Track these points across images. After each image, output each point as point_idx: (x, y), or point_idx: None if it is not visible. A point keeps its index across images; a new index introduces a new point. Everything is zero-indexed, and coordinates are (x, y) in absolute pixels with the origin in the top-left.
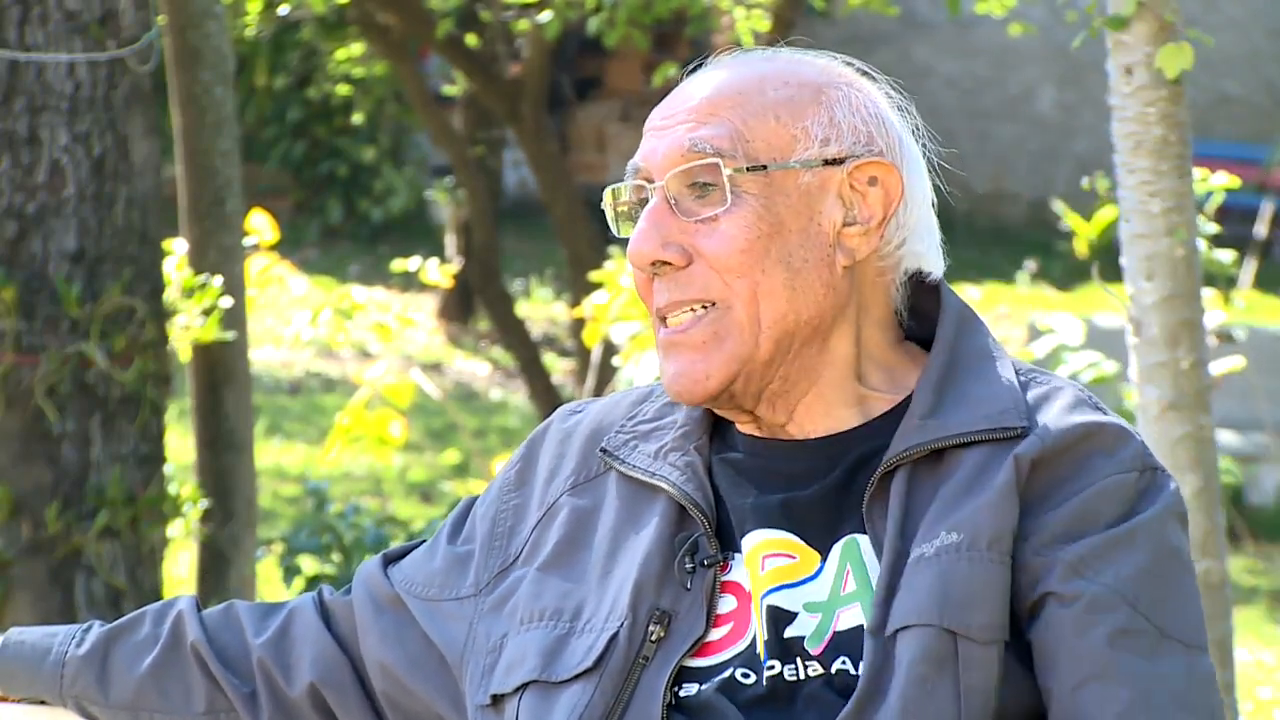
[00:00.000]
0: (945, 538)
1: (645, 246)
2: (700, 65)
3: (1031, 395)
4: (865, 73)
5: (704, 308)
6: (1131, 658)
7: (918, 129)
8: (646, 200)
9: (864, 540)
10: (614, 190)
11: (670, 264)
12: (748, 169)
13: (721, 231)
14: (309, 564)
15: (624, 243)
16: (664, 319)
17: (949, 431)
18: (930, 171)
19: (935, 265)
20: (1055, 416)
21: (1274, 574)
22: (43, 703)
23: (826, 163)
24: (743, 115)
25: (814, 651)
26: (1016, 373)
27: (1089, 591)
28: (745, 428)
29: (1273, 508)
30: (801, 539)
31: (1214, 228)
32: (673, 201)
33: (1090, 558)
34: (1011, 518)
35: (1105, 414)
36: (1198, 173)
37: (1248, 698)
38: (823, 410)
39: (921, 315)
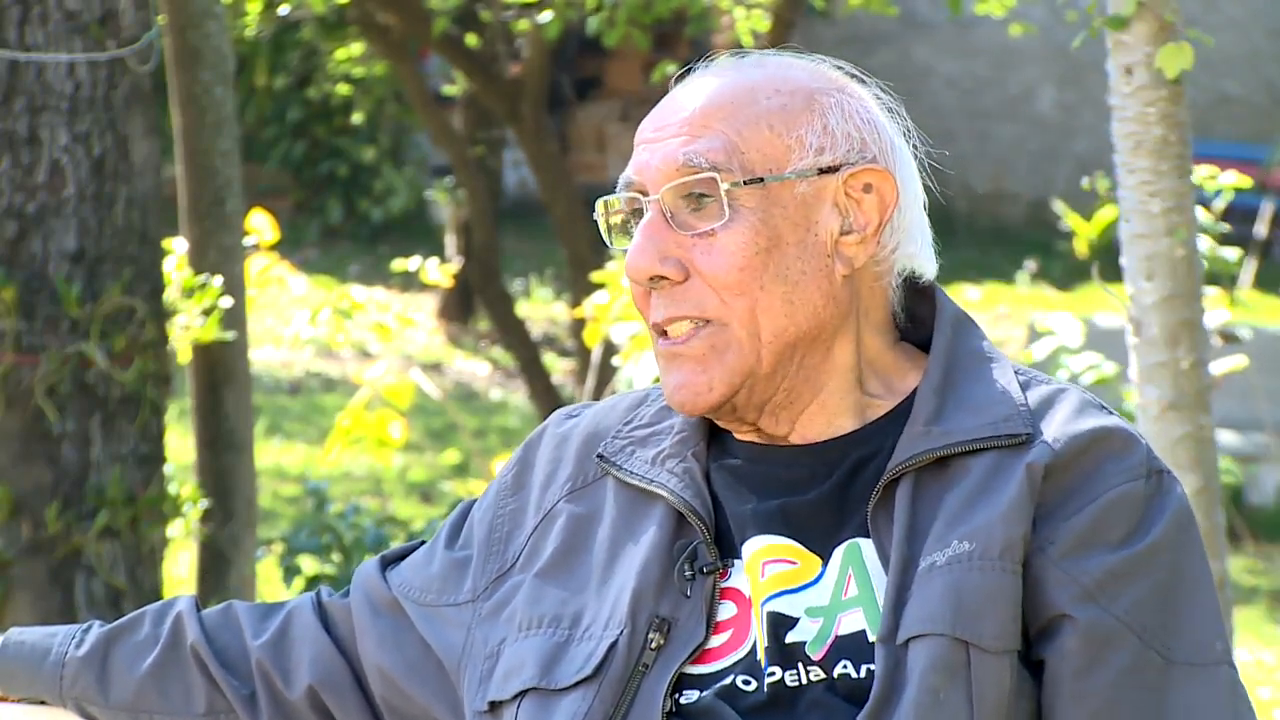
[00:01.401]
0: (957, 547)
1: (643, 262)
2: (689, 72)
3: (1033, 398)
4: (855, 75)
5: (704, 322)
6: (1137, 694)
7: (909, 130)
8: (640, 212)
9: (866, 545)
10: (606, 202)
11: (668, 279)
12: (745, 182)
13: (719, 247)
14: (309, 564)
15: (617, 250)
16: (663, 331)
17: (954, 439)
18: (922, 172)
19: (928, 266)
20: (1062, 422)
21: (1274, 574)
22: (43, 703)
23: (821, 171)
24: (736, 126)
25: (815, 656)
26: (1015, 374)
27: (1101, 622)
28: (744, 435)
29: (1273, 508)
30: (802, 544)
31: (1224, 226)
32: (668, 215)
33: (1106, 581)
34: (1022, 526)
35: (1110, 415)
36: (1204, 171)
37: None
38: (824, 420)
39: (914, 317)
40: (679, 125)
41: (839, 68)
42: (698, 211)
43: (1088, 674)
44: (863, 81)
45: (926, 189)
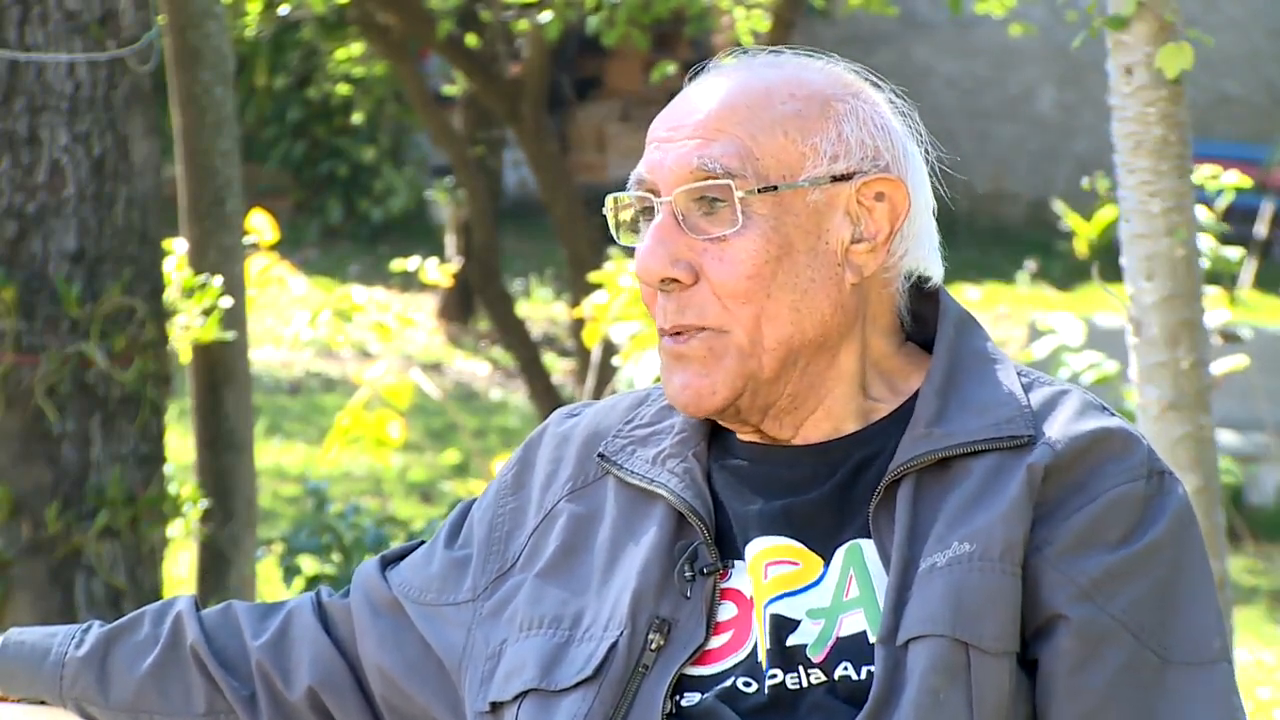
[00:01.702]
0: (958, 548)
1: (654, 264)
2: (703, 69)
3: (1036, 399)
4: (868, 79)
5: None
6: (1132, 692)
7: (919, 135)
8: (650, 210)
9: (868, 546)
10: (616, 199)
11: (678, 281)
12: (759, 190)
13: (730, 255)
14: (309, 564)
15: (624, 247)
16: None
17: (955, 440)
18: (929, 175)
19: (934, 269)
20: (1064, 423)
21: (1274, 574)
22: (43, 703)
23: (835, 179)
24: (751, 131)
25: (816, 659)
26: (1018, 375)
27: (1097, 621)
28: (746, 436)
29: (1273, 508)
30: (804, 544)
31: (1224, 226)
32: (680, 217)
33: (1102, 580)
34: (1022, 528)
35: (1112, 416)
36: (1205, 171)
37: (1248, 698)
38: (829, 424)
39: (918, 317)
40: (693, 127)
41: (853, 70)
42: (710, 215)
43: (1082, 671)
44: (877, 85)
45: (933, 192)
